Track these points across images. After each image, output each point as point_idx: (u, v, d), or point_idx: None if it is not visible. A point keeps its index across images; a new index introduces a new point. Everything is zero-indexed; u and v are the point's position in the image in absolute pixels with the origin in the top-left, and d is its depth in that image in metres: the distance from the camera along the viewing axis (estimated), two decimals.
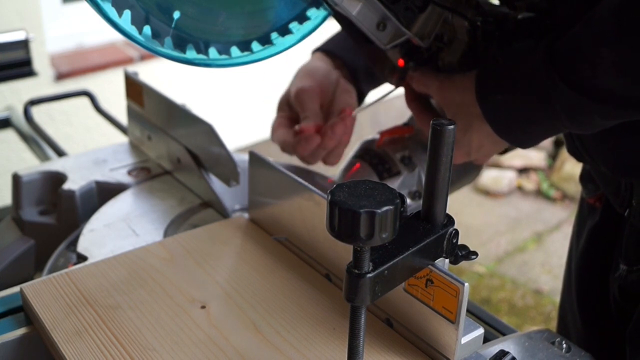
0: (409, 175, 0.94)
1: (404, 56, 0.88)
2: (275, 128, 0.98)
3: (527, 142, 0.80)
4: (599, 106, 0.69)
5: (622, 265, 0.87)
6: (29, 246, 1.01)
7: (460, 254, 0.60)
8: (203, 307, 0.70)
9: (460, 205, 3.40)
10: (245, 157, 0.86)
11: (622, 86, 0.67)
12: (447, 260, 0.61)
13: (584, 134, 0.81)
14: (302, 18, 0.77)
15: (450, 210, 0.59)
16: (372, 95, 1.02)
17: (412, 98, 0.90)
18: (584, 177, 0.99)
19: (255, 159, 0.82)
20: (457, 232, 0.59)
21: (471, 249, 0.61)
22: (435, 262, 0.59)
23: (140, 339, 0.65)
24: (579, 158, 0.88)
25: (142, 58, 2.68)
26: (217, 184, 0.95)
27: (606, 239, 0.93)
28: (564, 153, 3.67)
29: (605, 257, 0.93)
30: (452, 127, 0.55)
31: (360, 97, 1.01)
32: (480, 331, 0.62)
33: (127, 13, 0.67)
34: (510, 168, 3.65)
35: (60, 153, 1.33)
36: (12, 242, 1.01)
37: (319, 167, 0.99)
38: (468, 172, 1.01)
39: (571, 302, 1.03)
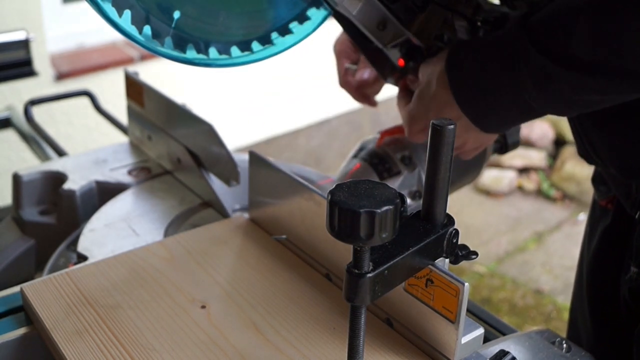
0: (409, 175, 0.94)
1: (404, 56, 0.87)
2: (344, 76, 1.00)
3: (491, 119, 0.77)
4: (569, 73, 0.68)
5: (633, 267, 0.86)
6: (29, 246, 1.01)
7: (460, 254, 0.60)
8: (203, 307, 0.70)
9: (461, 205, 3.39)
10: (245, 157, 0.86)
11: (596, 55, 0.66)
12: (447, 260, 0.61)
13: (564, 114, 0.79)
14: (302, 18, 0.77)
15: (450, 210, 0.59)
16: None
17: (402, 96, 0.90)
18: (596, 179, 0.98)
19: (255, 159, 0.82)
20: (457, 231, 0.59)
21: (471, 248, 0.61)
22: (436, 261, 0.59)
23: (141, 339, 0.65)
24: (589, 160, 0.88)
25: (142, 58, 2.68)
26: (217, 183, 0.95)
27: (618, 241, 0.93)
28: (565, 153, 3.67)
29: (617, 259, 0.92)
30: (452, 127, 0.55)
31: None
32: (480, 331, 0.62)
33: (127, 13, 0.67)
34: (511, 168, 3.65)
35: (60, 153, 1.33)
36: (12, 242, 1.01)
37: (319, 167, 0.99)
38: (468, 172, 1.01)
39: (582, 305, 1.02)
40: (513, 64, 0.71)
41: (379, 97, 0.98)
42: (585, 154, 0.87)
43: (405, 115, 0.86)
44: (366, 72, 0.97)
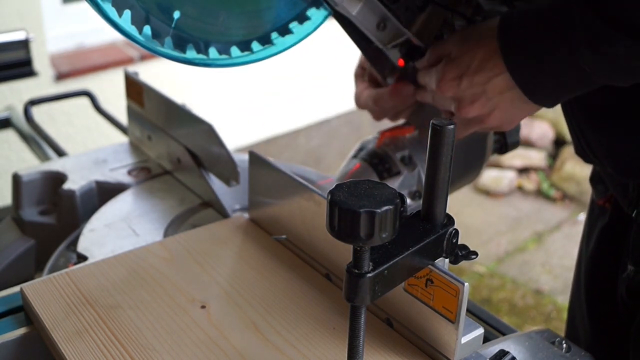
0: (409, 175, 0.94)
1: (404, 56, 0.88)
2: (359, 95, 0.96)
3: (541, 85, 0.74)
4: (625, 38, 0.66)
5: (630, 265, 0.87)
6: (29, 246, 1.01)
7: (460, 254, 0.60)
8: (203, 307, 0.70)
9: (461, 205, 3.40)
10: (245, 157, 0.86)
11: None
12: (447, 260, 0.61)
13: (618, 83, 0.75)
14: (302, 18, 0.77)
15: (450, 210, 0.59)
16: None
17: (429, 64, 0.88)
18: (594, 179, 0.98)
19: (255, 159, 0.82)
20: (457, 231, 0.59)
21: (471, 248, 0.61)
22: (435, 261, 0.60)
23: (141, 339, 0.65)
24: (586, 159, 0.88)
25: (142, 58, 2.68)
26: (217, 183, 0.95)
27: (615, 240, 0.93)
28: (565, 153, 3.67)
29: (614, 258, 0.93)
30: (452, 127, 0.55)
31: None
32: (480, 331, 0.62)
33: (127, 13, 0.67)
34: (511, 168, 3.65)
35: (60, 153, 1.33)
36: (12, 242, 1.01)
37: (319, 167, 0.99)
38: (468, 172, 1.01)
39: (580, 304, 1.03)
40: (568, 25, 0.69)
41: None
42: (582, 153, 0.87)
43: (441, 65, 0.81)
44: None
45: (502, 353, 0.64)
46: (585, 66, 0.70)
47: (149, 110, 1.07)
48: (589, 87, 0.74)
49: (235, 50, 0.75)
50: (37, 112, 1.51)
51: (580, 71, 0.71)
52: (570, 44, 0.70)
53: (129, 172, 1.07)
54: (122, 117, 1.30)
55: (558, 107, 0.87)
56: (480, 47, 0.78)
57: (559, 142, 3.80)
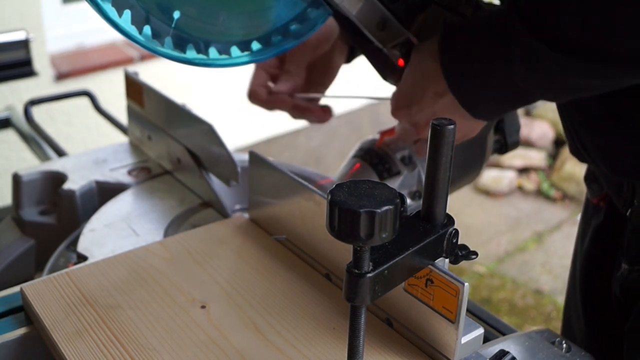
0: (409, 175, 0.94)
1: (403, 56, 0.88)
2: (253, 86, 0.98)
3: (478, 99, 0.76)
4: (556, 54, 0.66)
5: (624, 264, 0.87)
6: (29, 246, 1.01)
7: (460, 254, 0.60)
8: (203, 307, 0.70)
9: (461, 205, 3.40)
10: (245, 157, 0.86)
11: (582, 36, 0.65)
12: (447, 260, 0.61)
13: (553, 100, 0.77)
14: (302, 18, 0.77)
15: (450, 210, 0.59)
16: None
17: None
18: (588, 178, 0.99)
19: (255, 159, 0.82)
20: (457, 231, 0.59)
21: (471, 248, 0.61)
22: (435, 262, 0.60)
23: (141, 339, 0.65)
24: (580, 158, 0.88)
25: (142, 58, 2.68)
26: (217, 183, 0.95)
27: (610, 239, 0.93)
28: (565, 153, 3.67)
29: (609, 257, 0.93)
30: (452, 127, 0.55)
31: (352, 53, 1.00)
32: (480, 331, 0.62)
33: (127, 13, 0.67)
34: (511, 168, 3.65)
35: (60, 153, 1.33)
36: (12, 242, 1.01)
37: (319, 167, 0.99)
38: (468, 171, 1.01)
39: (575, 302, 1.03)
40: (503, 42, 0.70)
41: (381, 96, 0.98)
42: (577, 152, 0.87)
43: (393, 93, 0.85)
44: (287, 84, 0.96)
45: (502, 353, 0.64)
46: (520, 83, 0.71)
47: (149, 110, 1.07)
48: (526, 103, 0.75)
49: (235, 50, 0.75)
50: (37, 112, 1.51)
51: (515, 88, 0.72)
52: (505, 61, 0.70)
53: (129, 172, 1.07)
54: (122, 117, 1.30)
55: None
56: (423, 70, 0.79)
57: (559, 142, 3.80)
